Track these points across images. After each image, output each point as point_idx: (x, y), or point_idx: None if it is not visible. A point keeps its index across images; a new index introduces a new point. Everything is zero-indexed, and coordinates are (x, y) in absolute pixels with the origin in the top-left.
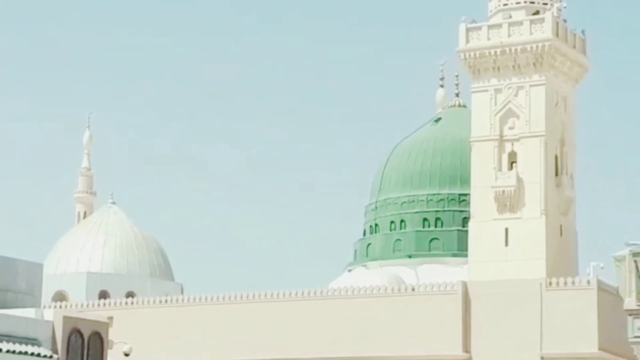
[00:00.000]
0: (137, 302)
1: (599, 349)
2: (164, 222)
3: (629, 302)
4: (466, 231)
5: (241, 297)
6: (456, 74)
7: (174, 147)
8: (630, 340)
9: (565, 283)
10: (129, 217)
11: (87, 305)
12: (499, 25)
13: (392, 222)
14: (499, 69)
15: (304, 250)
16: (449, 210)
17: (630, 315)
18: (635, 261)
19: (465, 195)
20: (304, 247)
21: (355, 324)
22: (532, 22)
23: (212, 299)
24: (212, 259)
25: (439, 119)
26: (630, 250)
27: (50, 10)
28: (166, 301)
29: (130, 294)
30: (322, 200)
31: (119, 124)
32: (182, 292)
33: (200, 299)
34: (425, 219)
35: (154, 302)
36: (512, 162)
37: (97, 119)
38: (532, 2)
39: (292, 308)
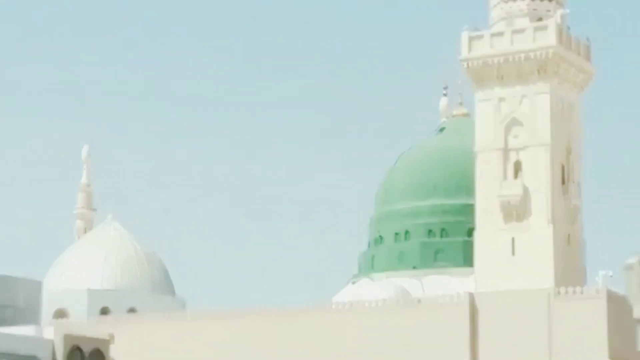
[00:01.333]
0: (138, 318)
1: (609, 358)
2: (165, 237)
3: (639, 311)
4: (472, 242)
5: (244, 312)
6: (459, 82)
7: (176, 163)
8: None
9: (574, 292)
10: (130, 233)
11: (88, 322)
12: (502, 33)
13: (396, 233)
14: (502, 78)
15: (308, 264)
16: (454, 221)
17: None
18: None
19: (471, 205)
20: (308, 260)
21: (361, 336)
22: (535, 29)
23: (215, 314)
24: (215, 274)
25: (443, 128)
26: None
27: (49, 24)
28: (168, 317)
29: (131, 310)
30: (326, 212)
31: (118, 140)
32: (184, 308)
33: (203, 314)
34: (430, 230)
35: (156, 318)
36: (518, 171)
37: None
38: (535, 10)
39: (297, 322)
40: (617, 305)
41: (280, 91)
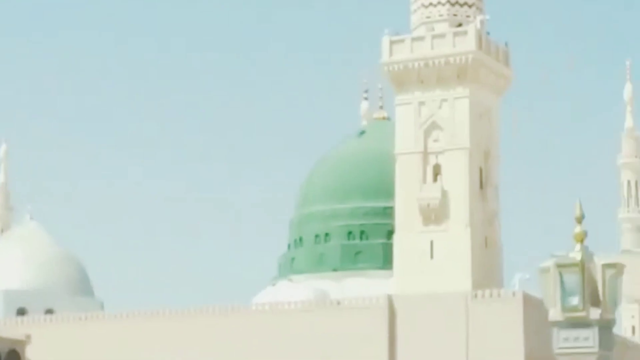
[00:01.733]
0: (56, 319)
1: None
2: (83, 238)
3: (554, 314)
4: (391, 244)
5: (163, 313)
6: (380, 86)
7: (95, 163)
8: (555, 352)
9: (491, 295)
10: (48, 233)
11: (4, 323)
12: (422, 38)
13: (316, 235)
14: (422, 82)
15: (229, 265)
16: (374, 223)
17: (555, 326)
18: (559, 272)
19: (390, 208)
20: (228, 262)
21: (280, 338)
22: (455, 34)
23: (133, 315)
24: (134, 275)
25: (364, 131)
26: (555, 262)
27: None
28: (86, 318)
29: (49, 311)
30: (246, 214)
31: (35, 139)
32: (102, 309)
33: (121, 315)
34: (350, 232)
35: (74, 318)
36: (437, 175)
37: (14, 134)
38: (455, 15)
39: (216, 323)
40: (533, 308)
41: (202, 94)
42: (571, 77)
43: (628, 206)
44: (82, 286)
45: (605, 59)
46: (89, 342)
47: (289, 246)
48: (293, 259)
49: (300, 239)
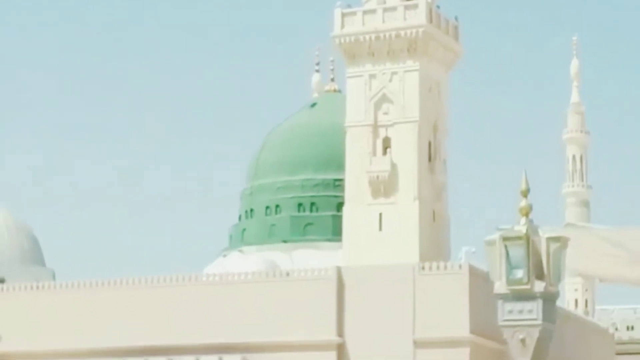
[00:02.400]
0: (7, 288)
1: (471, 333)
2: (34, 207)
3: (499, 286)
4: (341, 216)
5: (113, 283)
6: (331, 59)
7: (46, 132)
8: (500, 323)
9: (438, 267)
10: None
11: None
12: (374, 11)
13: (267, 207)
14: (373, 55)
15: (179, 236)
16: (324, 195)
17: (500, 299)
18: (505, 245)
19: (340, 180)
20: (179, 233)
21: (230, 309)
22: (406, 8)
23: (84, 285)
24: (86, 244)
25: (315, 104)
26: (501, 235)
27: None
28: (37, 287)
29: (0, 280)
30: (197, 185)
31: None
32: (53, 278)
33: (72, 285)
34: (300, 204)
35: (25, 287)
36: (387, 148)
37: None
38: None
39: (167, 294)
40: (478, 280)
41: (150, 66)
42: (519, 53)
43: (573, 180)
44: (34, 255)
45: (552, 34)
46: (41, 311)
47: (239, 217)
48: (244, 230)
49: (251, 211)
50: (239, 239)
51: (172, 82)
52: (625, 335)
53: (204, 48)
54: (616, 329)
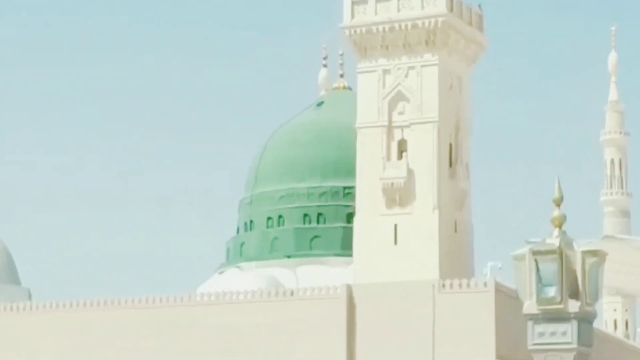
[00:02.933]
0: None
1: (497, 357)
2: (9, 225)
3: (529, 306)
4: (351, 228)
5: (96, 303)
6: (340, 52)
7: (22, 147)
8: (530, 347)
9: (460, 285)
10: None
11: None
12: None
13: (269, 218)
14: (387, 48)
15: (170, 251)
16: (332, 205)
17: (530, 320)
18: (535, 260)
19: (350, 188)
20: (169, 247)
21: (227, 332)
22: None
23: (63, 305)
24: (64, 261)
25: (322, 102)
26: (531, 248)
27: None
28: (11, 308)
29: None
30: (191, 194)
31: None
32: (29, 298)
33: (50, 305)
34: (305, 215)
35: (1, 308)
36: (402, 151)
37: None
38: None
39: (157, 315)
40: (506, 299)
41: (148, 64)
42: (551, 45)
43: (611, 187)
44: (9, 274)
45: (588, 25)
46: (16, 332)
47: (238, 230)
48: (242, 244)
49: (251, 222)
50: (237, 253)
51: (169, 81)
52: None
53: (203, 48)
54: None
